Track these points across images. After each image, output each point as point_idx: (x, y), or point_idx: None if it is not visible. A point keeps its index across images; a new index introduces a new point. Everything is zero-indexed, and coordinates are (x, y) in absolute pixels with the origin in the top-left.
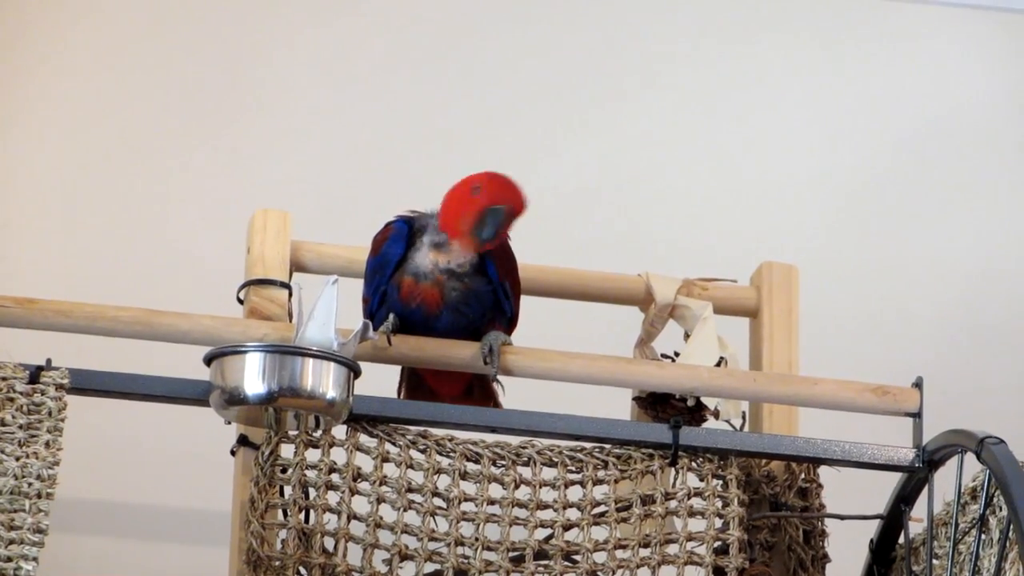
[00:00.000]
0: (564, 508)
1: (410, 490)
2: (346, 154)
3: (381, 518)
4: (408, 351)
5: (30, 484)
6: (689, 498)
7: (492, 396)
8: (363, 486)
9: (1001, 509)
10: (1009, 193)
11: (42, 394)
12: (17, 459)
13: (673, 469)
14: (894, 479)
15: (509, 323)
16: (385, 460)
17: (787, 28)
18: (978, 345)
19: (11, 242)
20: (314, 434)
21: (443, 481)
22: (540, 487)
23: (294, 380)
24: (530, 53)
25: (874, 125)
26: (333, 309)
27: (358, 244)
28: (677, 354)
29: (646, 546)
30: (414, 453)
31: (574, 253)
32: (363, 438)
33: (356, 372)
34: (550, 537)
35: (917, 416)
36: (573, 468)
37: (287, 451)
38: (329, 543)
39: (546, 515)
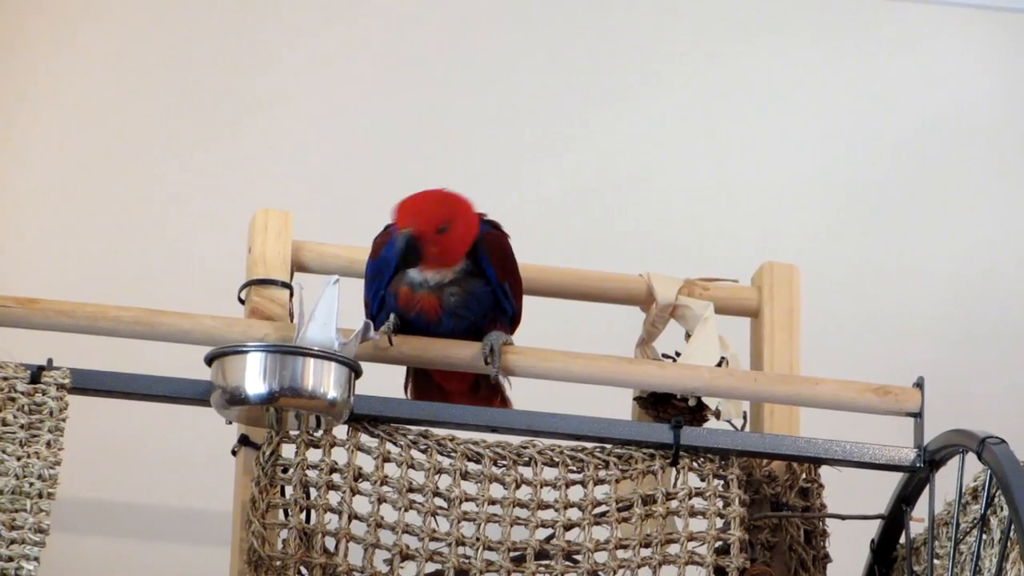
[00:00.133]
0: (565, 508)
1: (411, 490)
2: (347, 154)
3: (382, 518)
4: (409, 351)
5: (31, 484)
6: (690, 498)
7: (499, 390)
8: (364, 486)
9: (1002, 509)
10: (1010, 193)
11: (43, 394)
12: (18, 459)
13: (674, 469)
14: (895, 479)
15: (512, 321)
16: (386, 460)
17: (787, 28)
18: (979, 345)
19: (12, 242)
20: (315, 434)
21: (444, 481)
22: (541, 487)
23: (295, 380)
24: (531, 54)
25: (874, 125)
26: (334, 309)
27: (359, 244)
28: (678, 354)
29: (647, 546)
30: (415, 453)
31: (575, 253)
32: (364, 438)
33: (357, 372)
34: (551, 537)
35: (918, 416)
36: (574, 468)
37: (288, 451)
38: (330, 543)
39: (547, 515)
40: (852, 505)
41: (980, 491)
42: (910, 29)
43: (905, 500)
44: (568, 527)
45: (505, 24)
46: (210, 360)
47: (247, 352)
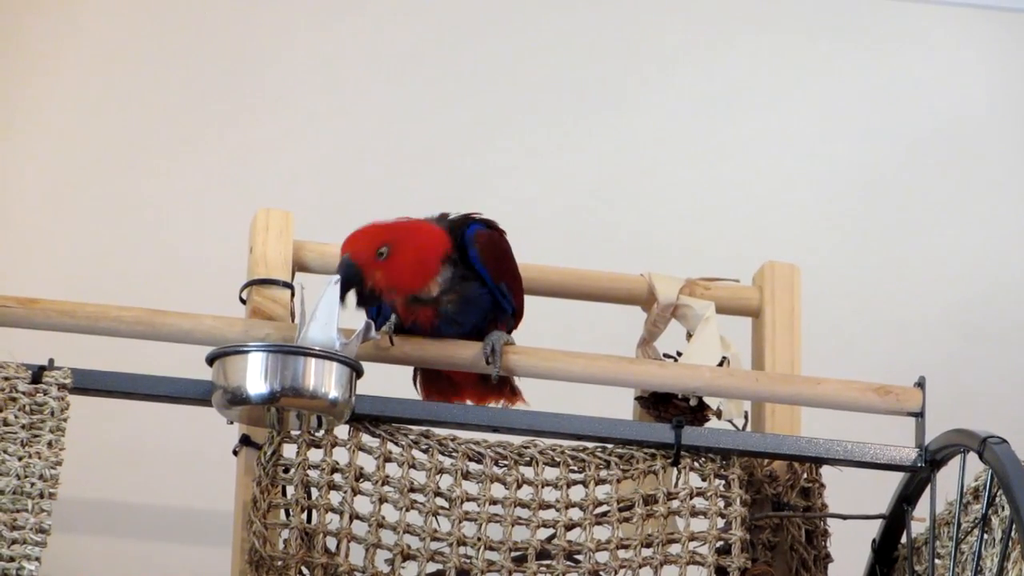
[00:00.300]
0: (566, 508)
1: (412, 490)
2: (349, 153)
3: (383, 518)
4: (410, 351)
5: (33, 484)
6: (691, 498)
7: (508, 381)
8: (365, 486)
9: (1003, 509)
10: (1010, 193)
11: (44, 394)
12: (20, 459)
13: (675, 469)
14: (896, 479)
15: (513, 317)
16: (387, 460)
17: (788, 28)
18: (981, 345)
19: (13, 242)
20: (316, 434)
21: (445, 481)
22: (542, 487)
23: (296, 380)
24: (532, 54)
25: (876, 125)
26: (335, 309)
27: None
28: (679, 354)
29: (648, 546)
30: (416, 453)
31: (576, 253)
32: (365, 438)
33: (358, 372)
34: (552, 537)
35: (919, 416)
36: (575, 468)
37: (289, 451)
38: (331, 543)
39: (548, 515)
40: (853, 505)
41: (981, 491)
42: (910, 29)
43: (906, 500)
44: (569, 527)
45: (505, 24)
46: (211, 360)
47: (248, 352)
